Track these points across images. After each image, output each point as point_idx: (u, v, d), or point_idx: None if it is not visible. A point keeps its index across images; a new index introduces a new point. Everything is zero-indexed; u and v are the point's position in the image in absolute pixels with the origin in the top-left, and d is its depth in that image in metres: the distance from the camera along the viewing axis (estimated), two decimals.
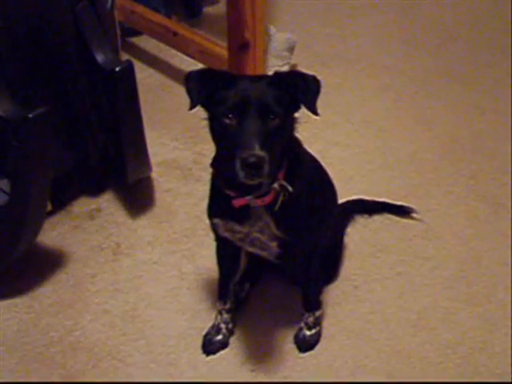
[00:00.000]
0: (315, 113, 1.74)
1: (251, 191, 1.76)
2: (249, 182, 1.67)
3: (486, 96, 3.20)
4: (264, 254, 1.96)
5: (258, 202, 1.79)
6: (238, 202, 1.79)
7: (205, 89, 1.71)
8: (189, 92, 1.73)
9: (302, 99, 1.73)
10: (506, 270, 2.39)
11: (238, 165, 1.63)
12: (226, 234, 1.92)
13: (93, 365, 2.12)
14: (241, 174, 1.63)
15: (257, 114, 1.66)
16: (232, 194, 1.79)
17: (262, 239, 1.88)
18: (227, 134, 1.67)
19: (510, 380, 2.09)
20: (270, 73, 3.03)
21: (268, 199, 1.79)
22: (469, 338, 2.18)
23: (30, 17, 2.13)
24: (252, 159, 1.61)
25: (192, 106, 1.72)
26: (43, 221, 2.30)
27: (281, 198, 1.80)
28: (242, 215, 1.83)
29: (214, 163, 1.84)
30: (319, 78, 1.78)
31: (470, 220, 2.58)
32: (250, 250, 1.97)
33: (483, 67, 3.40)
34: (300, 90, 1.72)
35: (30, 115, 1.98)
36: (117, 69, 2.18)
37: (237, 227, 1.87)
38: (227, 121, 1.67)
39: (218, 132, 1.73)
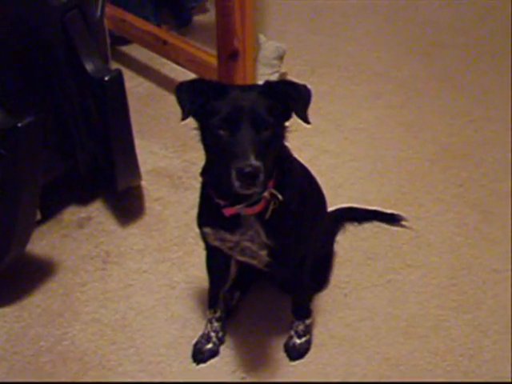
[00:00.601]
0: (307, 121, 1.74)
1: (242, 200, 1.76)
2: (244, 192, 1.67)
3: (476, 103, 3.21)
4: (254, 262, 1.96)
5: (249, 211, 1.80)
6: (228, 211, 1.79)
7: (196, 100, 1.70)
8: (180, 103, 1.73)
9: (293, 108, 1.74)
10: (495, 277, 2.40)
11: (233, 175, 1.63)
12: (216, 243, 1.92)
13: (83, 374, 2.11)
14: (236, 184, 1.64)
15: (250, 125, 1.66)
16: (222, 203, 1.79)
17: (252, 248, 1.87)
18: (221, 145, 1.68)
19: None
20: (260, 81, 3.05)
21: (258, 208, 1.79)
22: (458, 346, 2.19)
23: (19, 26, 2.13)
24: (248, 169, 1.61)
25: (184, 117, 1.72)
26: (33, 230, 2.29)
27: (271, 207, 1.80)
28: (233, 224, 1.83)
29: (205, 173, 1.84)
30: (309, 86, 1.79)
31: (459, 227, 2.58)
32: (240, 258, 1.97)
33: (473, 74, 3.41)
34: (292, 98, 1.73)
35: (20, 124, 1.98)
36: (106, 78, 2.18)
37: (227, 236, 1.87)
38: (220, 132, 1.67)
39: (210, 143, 1.73)
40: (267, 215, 1.81)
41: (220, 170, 1.69)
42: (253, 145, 1.64)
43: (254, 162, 1.62)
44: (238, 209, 1.79)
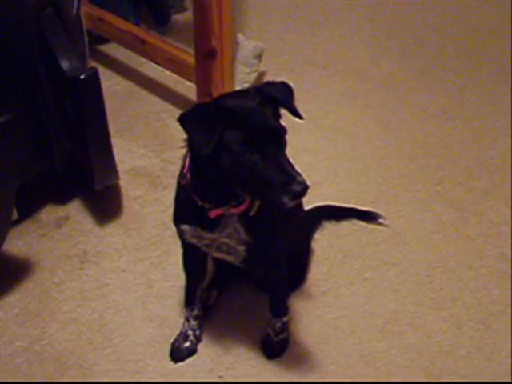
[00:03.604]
0: (301, 116, 1.72)
1: (228, 202, 1.76)
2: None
3: (452, 102, 3.24)
4: (230, 258, 1.95)
5: (234, 211, 1.80)
6: (214, 213, 1.79)
7: (213, 129, 1.61)
8: (193, 136, 1.65)
9: (287, 106, 1.72)
10: (471, 273, 2.42)
11: (285, 198, 1.61)
12: (193, 241, 1.92)
13: (60, 374, 2.11)
14: (290, 204, 1.62)
15: (274, 142, 1.63)
16: (208, 206, 1.78)
17: (230, 244, 1.88)
18: (253, 171, 1.62)
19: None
20: (239, 80, 3.06)
21: (243, 207, 1.80)
22: (435, 342, 2.20)
23: None
24: (304, 190, 1.61)
25: (207, 152, 1.61)
26: (9, 229, 2.28)
27: (257, 204, 1.80)
28: (211, 222, 1.83)
29: (190, 179, 1.79)
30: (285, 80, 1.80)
31: (436, 225, 2.60)
32: (216, 254, 1.97)
33: (450, 73, 3.44)
34: (285, 98, 1.72)
35: None
36: (82, 76, 2.17)
37: (205, 234, 1.87)
38: (249, 157, 1.62)
39: (235, 168, 1.64)
40: (253, 212, 1.80)
41: (211, 178, 1.69)
42: (287, 161, 1.63)
43: (301, 178, 1.61)
44: (224, 210, 1.79)
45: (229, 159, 1.63)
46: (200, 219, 1.83)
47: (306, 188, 1.61)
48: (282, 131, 1.66)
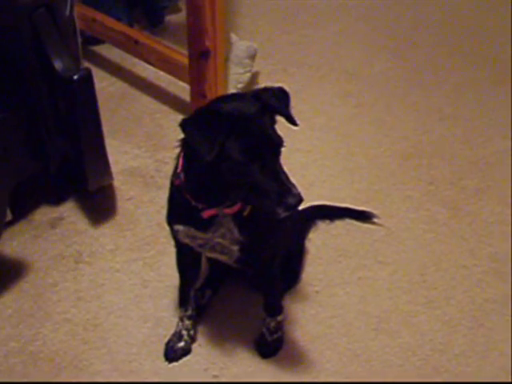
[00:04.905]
0: (295, 123, 1.74)
1: (221, 203, 1.77)
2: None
3: (445, 101, 3.25)
4: (223, 257, 1.96)
5: (228, 212, 1.80)
6: (207, 213, 1.80)
7: (216, 136, 1.61)
8: (196, 143, 1.64)
9: (285, 115, 1.73)
10: (464, 272, 2.43)
11: (280, 210, 1.64)
12: (187, 240, 1.92)
13: (54, 374, 2.11)
14: (283, 214, 1.65)
15: (273, 153, 1.66)
16: (201, 206, 1.79)
17: (224, 243, 1.88)
18: (250, 179, 1.64)
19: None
20: (232, 80, 3.06)
21: (237, 207, 1.80)
22: (428, 341, 2.21)
23: None
24: (298, 203, 1.64)
25: (209, 159, 1.61)
26: (3, 230, 2.28)
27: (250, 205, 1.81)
28: (205, 222, 1.83)
29: (188, 182, 1.78)
30: (281, 84, 1.80)
31: (429, 224, 2.61)
32: (210, 254, 1.98)
33: (442, 73, 3.45)
34: (282, 107, 1.73)
35: None
36: (75, 76, 2.17)
37: (199, 234, 1.87)
38: (249, 167, 1.63)
39: (233, 176, 1.66)
40: (246, 212, 1.81)
41: (206, 180, 1.70)
42: (283, 171, 1.65)
43: (296, 190, 1.64)
44: (218, 210, 1.79)
45: (227, 167, 1.65)
46: (193, 219, 1.83)
47: (300, 201, 1.64)
48: (280, 142, 1.67)
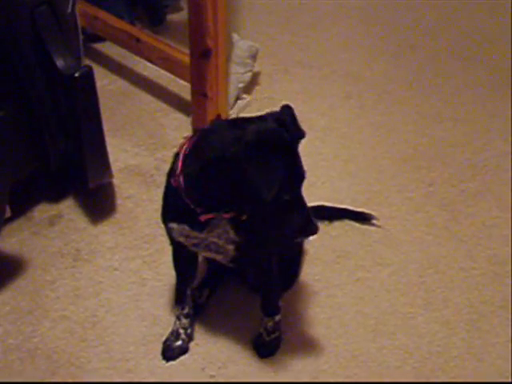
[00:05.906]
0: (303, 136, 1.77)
1: (221, 209, 1.77)
2: None
3: (445, 104, 3.24)
4: (219, 257, 1.95)
5: (226, 216, 1.80)
6: (205, 217, 1.79)
7: (277, 178, 1.58)
8: (254, 179, 1.57)
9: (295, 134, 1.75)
10: (462, 275, 2.43)
11: (299, 238, 1.71)
12: (181, 239, 1.91)
13: (52, 371, 2.11)
14: (299, 240, 1.72)
15: (300, 185, 1.70)
16: (199, 210, 1.78)
17: (219, 243, 1.87)
18: (277, 211, 1.67)
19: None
20: (233, 80, 3.06)
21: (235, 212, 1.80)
22: (426, 343, 2.21)
23: None
24: (315, 232, 1.70)
25: (271, 196, 1.58)
26: (1, 227, 2.28)
27: None
28: (201, 223, 1.82)
29: (189, 187, 1.76)
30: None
31: (428, 226, 2.61)
32: (205, 254, 1.98)
33: (442, 75, 3.44)
34: (301, 134, 1.76)
35: None
36: (76, 74, 2.16)
37: (193, 233, 1.86)
38: (279, 198, 1.64)
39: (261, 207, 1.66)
40: (244, 216, 1.80)
41: (214, 191, 1.70)
42: (305, 201, 1.69)
43: (315, 220, 1.68)
44: (216, 215, 1.79)
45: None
46: (189, 219, 1.82)
47: (317, 230, 1.69)
48: (305, 175, 1.71)
